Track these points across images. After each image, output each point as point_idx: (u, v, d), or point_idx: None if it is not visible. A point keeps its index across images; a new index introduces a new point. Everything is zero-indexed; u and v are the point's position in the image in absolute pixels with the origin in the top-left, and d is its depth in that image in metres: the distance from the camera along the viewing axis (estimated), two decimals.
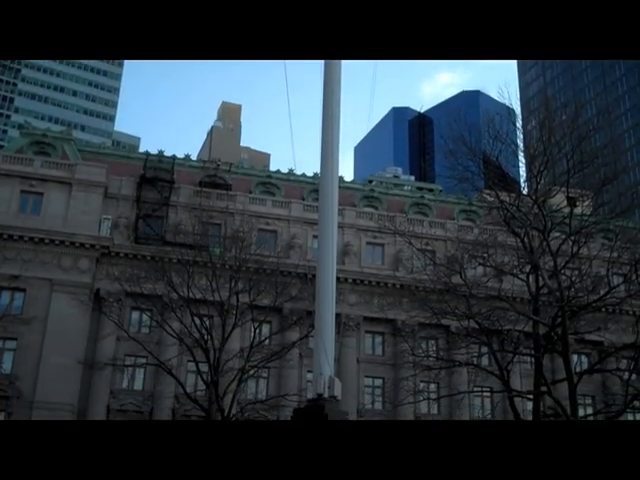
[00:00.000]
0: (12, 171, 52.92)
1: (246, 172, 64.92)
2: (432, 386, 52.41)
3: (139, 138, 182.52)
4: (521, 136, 40.70)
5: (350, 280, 56.36)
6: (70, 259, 51.74)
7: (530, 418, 36.38)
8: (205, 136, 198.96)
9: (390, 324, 56.13)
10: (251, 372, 41.46)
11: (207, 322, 39.91)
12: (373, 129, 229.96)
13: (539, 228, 33.86)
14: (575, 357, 43.28)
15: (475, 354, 40.01)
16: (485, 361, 46.24)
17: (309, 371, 47.37)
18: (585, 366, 48.86)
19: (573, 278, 34.75)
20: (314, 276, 14.19)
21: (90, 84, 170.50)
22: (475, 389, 42.62)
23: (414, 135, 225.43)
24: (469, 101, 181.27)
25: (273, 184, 62.06)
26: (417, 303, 39.46)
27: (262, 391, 53.00)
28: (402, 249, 55.12)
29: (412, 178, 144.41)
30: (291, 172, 64.95)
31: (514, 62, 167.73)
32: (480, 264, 39.32)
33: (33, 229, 51.07)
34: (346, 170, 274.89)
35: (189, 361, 45.86)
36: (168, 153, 61.50)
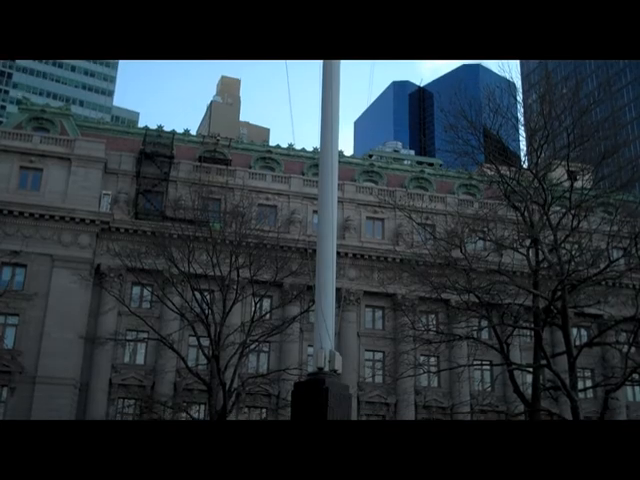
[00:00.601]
0: (11, 147, 52.81)
1: (246, 147, 64.76)
2: (432, 359, 52.76)
3: (138, 113, 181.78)
4: (521, 110, 40.63)
5: (350, 255, 56.46)
6: (70, 235, 51.78)
7: (529, 391, 36.58)
8: (204, 111, 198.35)
9: (390, 298, 56.28)
10: (252, 346, 41.66)
11: (208, 297, 40.03)
12: (373, 103, 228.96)
13: (539, 202, 33.84)
14: (575, 330, 43.43)
15: (475, 328, 40.17)
16: (485, 335, 46.49)
17: (310, 345, 47.66)
18: (584, 339, 49.06)
19: (573, 252, 34.76)
20: (314, 251, 14.22)
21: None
22: (475, 362, 42.82)
23: (414, 109, 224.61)
24: (469, 75, 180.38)
25: (273, 159, 61.95)
26: (417, 277, 39.53)
27: (263, 365, 53.32)
28: (402, 223, 55.17)
29: (412, 152, 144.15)
30: (291, 147, 64.82)
31: None
32: (480, 238, 39.34)
33: (33, 205, 51.06)
34: (346, 145, 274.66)
35: (190, 335, 46.09)
36: (167, 128, 61.36)
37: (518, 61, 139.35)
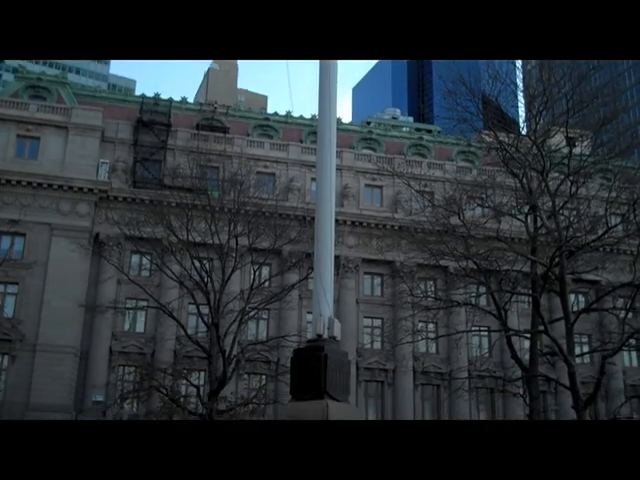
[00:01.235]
0: (8, 115, 52.55)
1: (243, 115, 64.43)
2: (430, 326, 53.01)
3: (135, 81, 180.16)
4: (521, 76, 40.36)
5: (349, 222, 56.49)
6: (69, 203, 51.74)
7: (527, 356, 36.85)
8: (201, 78, 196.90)
9: (389, 265, 56.44)
10: (251, 314, 41.82)
11: (207, 265, 40.10)
12: (371, 70, 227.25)
13: (538, 169, 33.80)
14: (572, 296, 43.72)
15: (473, 294, 40.35)
16: (483, 301, 46.64)
17: (309, 312, 47.85)
18: (582, 305, 49.36)
19: (571, 218, 34.79)
20: (313, 218, 14.25)
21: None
22: (473, 328, 43.09)
23: (413, 76, 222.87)
24: None
25: (271, 126, 61.70)
26: (416, 244, 39.61)
27: (262, 332, 53.59)
28: (401, 191, 55.12)
29: (411, 119, 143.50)
30: (289, 114, 64.50)
31: None
32: (479, 205, 39.36)
33: (31, 174, 50.94)
34: (344, 112, 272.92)
35: (190, 303, 46.29)
36: (164, 96, 61.10)
37: None
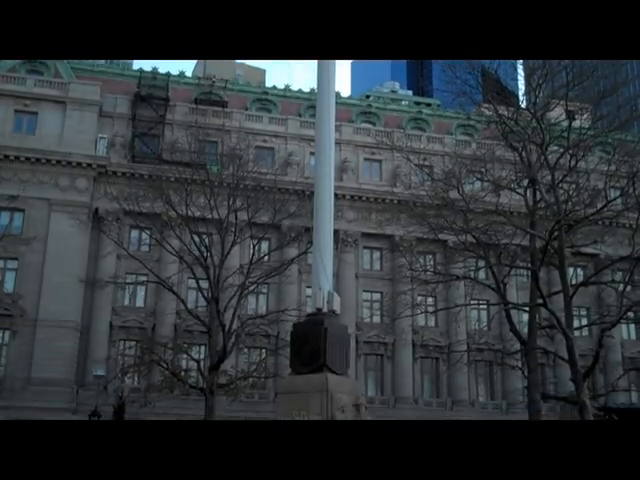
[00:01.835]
0: (5, 91, 52.29)
1: (242, 89, 64.12)
2: (429, 299, 53.12)
3: None
4: None
5: (348, 196, 56.46)
6: (67, 179, 51.67)
7: (526, 330, 37.00)
8: None
9: (388, 239, 56.50)
10: (251, 288, 41.91)
11: (206, 240, 40.12)
12: None
13: (537, 142, 33.70)
14: (571, 270, 43.65)
15: (472, 268, 40.42)
16: (482, 275, 46.73)
17: (308, 286, 47.94)
18: (581, 278, 49.40)
19: (570, 192, 34.75)
20: (312, 193, 14.25)
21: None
22: (472, 302, 43.26)
23: None
24: None
25: (269, 100, 61.41)
26: (415, 218, 39.61)
27: (262, 306, 53.76)
28: (400, 165, 55.00)
29: (410, 93, 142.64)
30: (287, 88, 64.18)
31: None
32: (478, 179, 39.32)
33: (29, 149, 50.80)
34: (343, 85, 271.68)
35: (189, 278, 46.40)
36: (162, 70, 60.78)
37: None
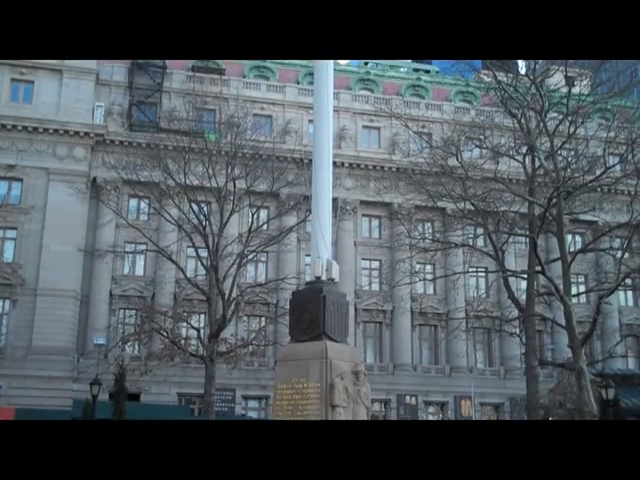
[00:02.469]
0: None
1: None
2: (428, 267, 53.24)
3: None
4: None
5: (346, 164, 56.32)
6: (65, 148, 51.50)
7: (524, 297, 37.20)
8: None
9: (386, 207, 56.49)
10: (250, 257, 42.00)
11: (205, 208, 40.11)
12: None
13: (536, 109, 33.59)
14: (569, 237, 43.80)
15: (471, 235, 40.51)
16: (480, 242, 46.84)
17: (307, 255, 48.06)
18: (579, 246, 49.50)
19: (569, 158, 34.73)
20: (310, 161, 14.22)
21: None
22: (470, 269, 43.38)
23: None
24: None
25: (267, 68, 60.96)
26: (413, 186, 39.62)
27: (261, 275, 53.91)
28: (398, 132, 54.80)
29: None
30: None
31: None
32: (477, 146, 39.26)
33: (26, 118, 50.53)
34: None
35: (188, 247, 46.48)
36: None
37: None
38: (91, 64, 53.23)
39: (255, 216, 39.56)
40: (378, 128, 58.93)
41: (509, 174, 37.12)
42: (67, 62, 52.62)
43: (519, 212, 38.07)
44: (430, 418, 56.24)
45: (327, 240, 13.15)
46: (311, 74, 45.12)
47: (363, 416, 12.43)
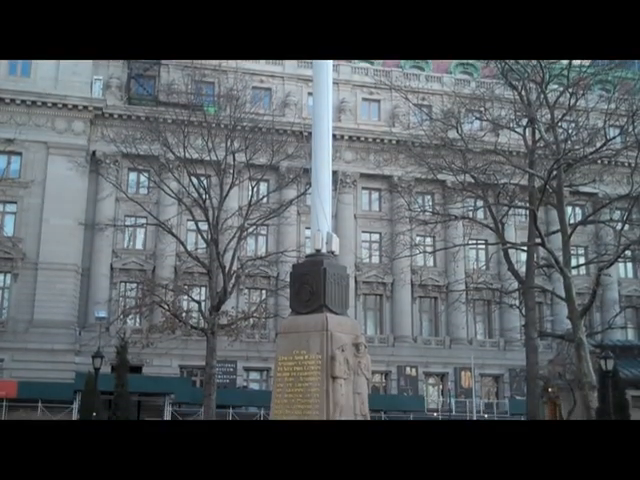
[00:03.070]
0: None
1: None
2: (428, 240, 53.40)
3: None
4: None
5: (346, 137, 56.20)
6: (64, 121, 51.35)
7: (524, 269, 37.27)
8: None
9: (386, 180, 56.43)
10: (250, 230, 42.02)
11: (205, 182, 40.03)
12: None
13: (537, 80, 33.40)
14: (569, 209, 43.75)
15: (470, 208, 40.51)
16: (480, 214, 46.83)
17: (307, 228, 48.13)
18: (579, 217, 49.57)
19: (570, 130, 34.60)
20: (310, 134, 14.18)
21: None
22: (470, 242, 43.39)
23: None
24: None
25: None
26: (413, 159, 39.53)
27: (261, 248, 54.02)
28: (398, 105, 54.59)
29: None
30: None
31: None
32: (477, 118, 39.08)
33: (25, 92, 50.34)
34: None
35: (188, 220, 46.53)
36: None
37: None
38: None
39: (255, 189, 39.49)
40: (378, 101, 58.70)
41: (509, 146, 36.97)
42: None
43: (519, 184, 38.02)
44: (430, 389, 56.66)
45: (327, 213, 13.16)
46: None
47: (364, 387, 12.53)
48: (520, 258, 43.72)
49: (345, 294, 13.19)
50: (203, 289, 49.52)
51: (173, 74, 53.22)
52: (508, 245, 37.24)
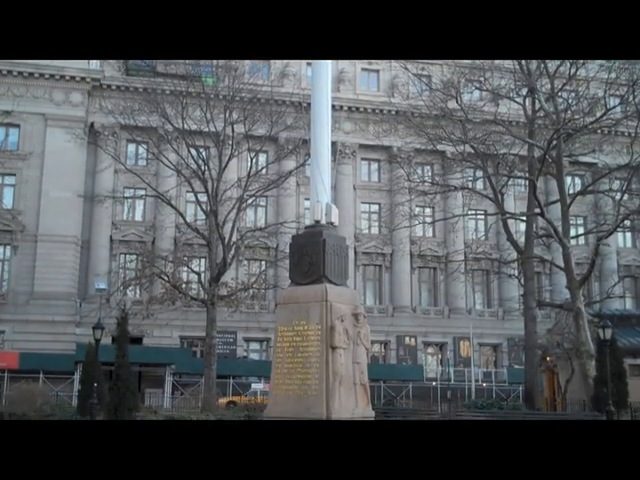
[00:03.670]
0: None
1: None
2: (427, 210, 53.41)
3: None
4: None
5: (345, 108, 55.97)
6: (62, 93, 51.08)
7: (523, 239, 37.35)
8: None
9: (386, 151, 56.31)
10: (249, 201, 41.98)
11: (204, 153, 39.93)
12: None
13: None
14: (569, 179, 43.78)
15: (470, 178, 40.45)
16: (480, 185, 46.81)
17: (306, 199, 48.09)
18: (578, 187, 49.53)
19: (570, 100, 34.48)
20: (309, 104, 14.15)
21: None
22: (469, 212, 43.45)
23: None
24: None
25: None
26: (413, 129, 39.40)
27: (261, 219, 54.04)
28: (397, 75, 54.33)
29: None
30: None
31: None
32: (477, 88, 38.92)
33: (22, 63, 49.95)
34: None
35: (187, 192, 46.47)
36: None
37: None
38: None
39: (254, 160, 39.37)
40: (377, 71, 58.37)
41: (509, 116, 36.84)
42: None
43: (519, 154, 37.97)
44: (429, 359, 57.01)
45: (326, 184, 13.17)
46: None
47: (363, 357, 12.64)
48: (519, 228, 43.82)
49: (344, 265, 13.24)
50: (203, 260, 49.64)
51: None
52: (507, 215, 37.28)
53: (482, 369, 55.48)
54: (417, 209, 47.15)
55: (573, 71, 32.94)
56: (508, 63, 36.32)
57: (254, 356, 53.97)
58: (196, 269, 43.69)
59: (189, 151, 39.72)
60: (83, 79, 51.16)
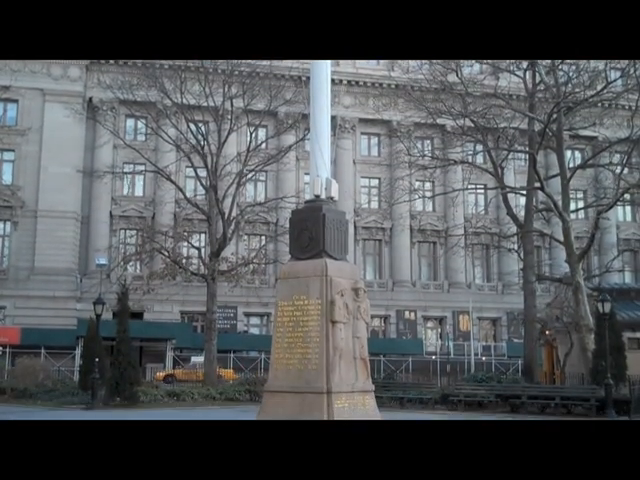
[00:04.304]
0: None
1: None
2: (427, 185, 53.40)
3: None
4: None
5: (345, 82, 55.73)
6: (59, 68, 50.83)
7: (522, 213, 37.35)
8: None
9: (386, 125, 56.14)
10: (249, 176, 41.95)
11: (203, 128, 39.80)
12: None
13: None
14: (569, 153, 43.63)
15: (470, 152, 40.38)
16: (480, 159, 46.71)
17: (306, 173, 48.05)
18: (578, 161, 49.41)
19: (570, 73, 34.29)
20: (308, 78, 14.09)
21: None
22: (469, 186, 43.35)
23: None
24: None
25: None
26: (413, 103, 39.20)
27: (261, 194, 54.01)
28: None
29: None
30: None
31: None
32: (477, 61, 38.69)
33: None
34: None
35: (187, 167, 46.42)
36: None
37: None
38: None
39: (253, 135, 39.25)
40: None
41: (509, 90, 36.66)
42: None
43: (519, 128, 37.83)
44: (429, 333, 57.26)
45: (326, 158, 13.14)
46: None
47: (363, 331, 12.67)
48: (519, 202, 43.77)
49: (344, 239, 13.24)
50: (203, 235, 49.68)
51: None
52: (507, 189, 37.25)
53: (481, 343, 55.75)
54: (417, 183, 47.12)
55: None
56: None
57: (254, 331, 54.19)
58: (196, 244, 43.70)
59: (188, 126, 39.60)
60: None
